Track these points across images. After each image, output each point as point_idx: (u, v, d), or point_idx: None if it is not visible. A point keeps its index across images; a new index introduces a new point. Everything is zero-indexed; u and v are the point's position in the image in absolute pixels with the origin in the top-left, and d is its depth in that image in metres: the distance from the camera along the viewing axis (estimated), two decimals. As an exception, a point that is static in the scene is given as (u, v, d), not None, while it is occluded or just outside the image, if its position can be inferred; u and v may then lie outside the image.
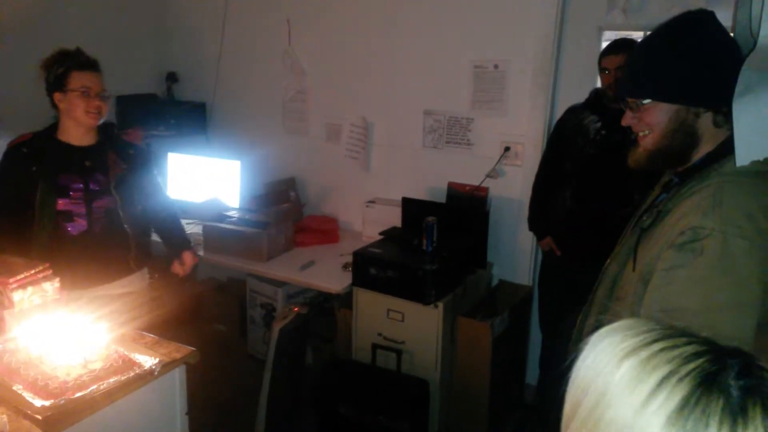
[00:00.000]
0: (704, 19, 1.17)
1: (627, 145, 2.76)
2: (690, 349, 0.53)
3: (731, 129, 1.12)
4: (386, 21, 3.23)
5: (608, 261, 1.33)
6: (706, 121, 1.15)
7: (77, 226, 2.16)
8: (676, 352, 0.53)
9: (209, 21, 3.77)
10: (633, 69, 1.24)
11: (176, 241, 2.50)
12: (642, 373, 0.53)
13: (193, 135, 3.83)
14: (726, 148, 1.13)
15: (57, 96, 2.13)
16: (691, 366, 0.52)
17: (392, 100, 3.30)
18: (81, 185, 2.16)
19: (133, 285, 2.35)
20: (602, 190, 2.57)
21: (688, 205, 1.09)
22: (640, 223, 1.23)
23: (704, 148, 1.17)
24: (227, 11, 3.71)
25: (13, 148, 2.18)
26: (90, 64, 2.15)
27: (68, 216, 2.15)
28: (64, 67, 2.12)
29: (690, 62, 1.14)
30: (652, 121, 1.18)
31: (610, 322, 1.32)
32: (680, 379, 0.51)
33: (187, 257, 2.48)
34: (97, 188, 2.19)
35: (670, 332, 0.56)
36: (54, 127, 2.21)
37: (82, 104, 2.11)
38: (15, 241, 2.14)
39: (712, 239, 1.01)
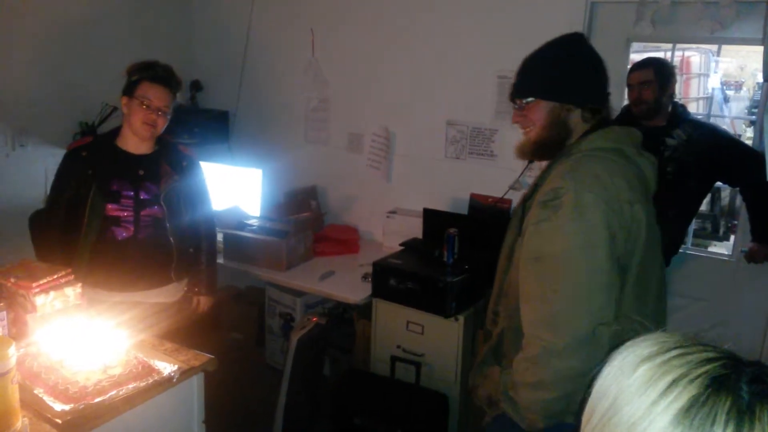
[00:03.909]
0: (576, 38, 1.47)
1: (660, 163, 2.74)
2: (704, 355, 0.54)
3: (595, 122, 1.42)
4: (410, 31, 3.23)
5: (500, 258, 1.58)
6: (576, 116, 1.42)
7: (123, 232, 2.19)
8: (690, 357, 0.54)
9: (234, 30, 3.81)
10: (520, 75, 1.48)
11: (202, 278, 2.45)
12: (655, 375, 0.54)
13: (216, 143, 3.85)
14: (586, 134, 1.41)
15: (123, 100, 2.19)
16: (703, 369, 0.53)
17: (415, 111, 3.29)
18: (132, 193, 2.20)
19: (170, 295, 2.35)
20: None
21: (554, 173, 1.36)
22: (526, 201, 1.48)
23: (575, 138, 1.43)
24: (252, 21, 3.74)
25: (72, 152, 2.24)
26: (163, 80, 2.19)
27: (116, 221, 2.18)
28: (139, 75, 2.17)
29: (563, 69, 1.42)
30: (534, 116, 1.43)
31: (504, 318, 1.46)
32: (691, 381, 0.52)
33: (203, 302, 2.47)
34: (147, 197, 2.21)
35: (687, 341, 0.57)
36: (115, 133, 2.26)
37: (140, 114, 2.15)
38: (65, 239, 2.19)
39: (567, 195, 1.27)
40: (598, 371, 0.60)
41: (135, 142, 2.23)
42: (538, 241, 1.31)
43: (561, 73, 1.41)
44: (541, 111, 1.42)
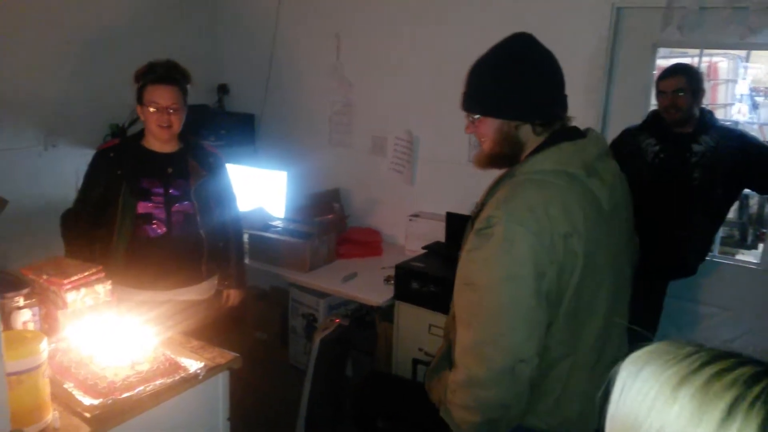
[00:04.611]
0: (523, 42, 1.38)
1: (687, 169, 2.69)
2: (745, 370, 0.49)
3: (548, 134, 1.36)
4: (433, 36, 3.24)
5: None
6: (526, 131, 1.37)
7: (156, 230, 2.23)
8: (732, 375, 0.49)
9: (260, 35, 3.85)
10: (468, 87, 1.44)
11: (232, 272, 2.50)
12: (704, 402, 0.48)
13: (242, 145, 3.90)
14: (534, 152, 1.35)
15: (138, 108, 2.23)
16: (757, 389, 0.48)
17: (438, 115, 3.29)
18: (161, 190, 2.23)
19: (202, 292, 2.39)
20: (659, 212, 2.49)
21: (494, 198, 1.32)
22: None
23: (528, 151, 1.38)
24: (278, 26, 3.78)
25: (101, 152, 2.29)
26: (165, 78, 2.20)
27: (148, 219, 2.21)
28: (143, 80, 2.20)
29: (507, 84, 1.35)
30: (483, 132, 1.40)
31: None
32: (751, 404, 0.47)
33: (233, 296, 2.52)
34: (177, 193, 2.25)
35: (714, 353, 0.52)
36: (141, 134, 2.30)
37: (153, 118, 2.18)
38: (94, 239, 2.23)
39: (498, 226, 1.24)
40: (610, 387, 0.55)
41: (159, 142, 2.26)
42: (469, 268, 1.31)
43: (506, 89, 1.35)
44: (489, 127, 1.38)
